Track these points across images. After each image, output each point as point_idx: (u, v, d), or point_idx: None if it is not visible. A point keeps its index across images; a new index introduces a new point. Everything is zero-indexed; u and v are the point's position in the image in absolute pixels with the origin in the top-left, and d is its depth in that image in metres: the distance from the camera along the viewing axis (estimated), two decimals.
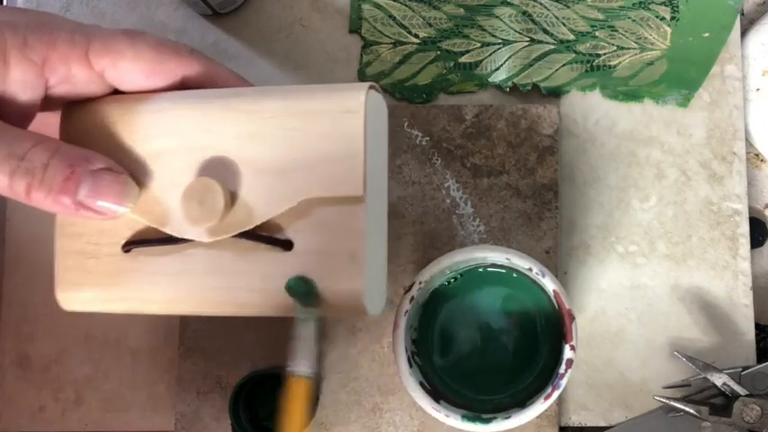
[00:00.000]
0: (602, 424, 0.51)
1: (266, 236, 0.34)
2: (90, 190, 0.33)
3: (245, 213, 0.34)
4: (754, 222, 0.53)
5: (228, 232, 0.34)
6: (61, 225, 0.37)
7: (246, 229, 0.34)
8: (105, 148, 0.35)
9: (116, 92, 0.36)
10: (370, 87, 0.34)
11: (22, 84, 0.33)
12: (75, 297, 0.37)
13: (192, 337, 0.52)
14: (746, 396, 0.46)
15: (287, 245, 0.34)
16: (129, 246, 0.36)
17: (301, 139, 0.33)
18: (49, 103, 0.35)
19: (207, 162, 0.34)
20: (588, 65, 0.54)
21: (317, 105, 0.33)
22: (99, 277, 0.36)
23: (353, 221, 0.33)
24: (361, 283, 0.33)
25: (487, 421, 0.42)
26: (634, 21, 0.54)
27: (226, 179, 0.34)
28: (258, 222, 0.34)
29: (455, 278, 0.46)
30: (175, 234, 0.35)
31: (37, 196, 0.32)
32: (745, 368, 0.48)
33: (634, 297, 0.52)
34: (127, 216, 0.35)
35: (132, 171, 0.35)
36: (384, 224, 0.37)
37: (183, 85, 0.36)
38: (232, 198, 0.34)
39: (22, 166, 0.32)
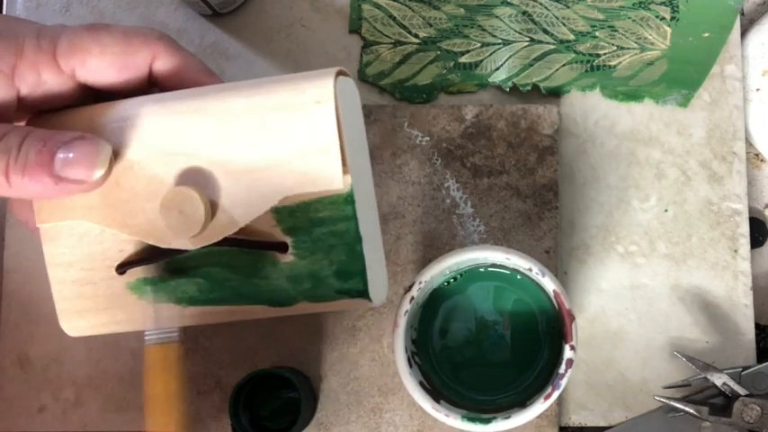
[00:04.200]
0: (602, 424, 0.51)
1: (261, 241, 0.33)
2: (65, 158, 0.31)
3: (228, 218, 0.33)
4: (754, 222, 0.53)
5: (214, 238, 0.33)
6: (50, 255, 0.36)
7: (231, 233, 0.33)
8: None
9: (90, 94, 0.35)
10: (338, 73, 0.32)
11: None
12: (79, 325, 0.36)
13: (191, 338, 0.52)
14: (746, 396, 0.46)
15: (282, 247, 0.33)
16: (122, 268, 0.35)
17: (273, 135, 0.32)
18: (20, 111, 0.34)
19: (181, 169, 0.33)
20: (588, 65, 0.54)
21: (284, 99, 0.32)
22: (100, 302, 0.36)
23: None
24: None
25: (487, 421, 0.42)
26: (634, 21, 0.54)
27: (202, 185, 0.33)
28: (241, 225, 0.33)
29: (455, 278, 0.46)
30: (161, 245, 0.34)
31: (15, 178, 0.31)
32: (745, 368, 0.48)
33: (634, 297, 0.52)
34: (111, 234, 0.34)
35: (106, 185, 0.34)
36: (374, 208, 0.36)
37: (155, 80, 0.35)
38: (212, 203, 0.33)
39: None
